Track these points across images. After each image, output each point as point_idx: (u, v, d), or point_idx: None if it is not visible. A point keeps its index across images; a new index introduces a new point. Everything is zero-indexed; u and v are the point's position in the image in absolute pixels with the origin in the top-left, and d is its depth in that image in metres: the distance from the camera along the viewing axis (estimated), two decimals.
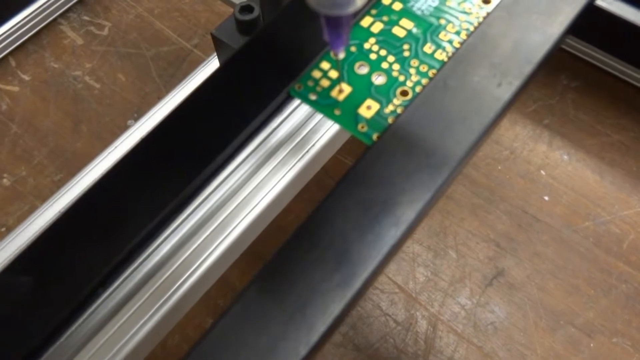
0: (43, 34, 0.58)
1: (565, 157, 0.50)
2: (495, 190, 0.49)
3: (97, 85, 0.55)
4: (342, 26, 0.20)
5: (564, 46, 0.54)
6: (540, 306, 0.44)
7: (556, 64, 0.55)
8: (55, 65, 0.57)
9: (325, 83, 0.25)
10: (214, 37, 0.42)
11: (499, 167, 0.50)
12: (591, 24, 0.26)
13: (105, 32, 0.59)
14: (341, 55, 0.22)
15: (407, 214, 0.21)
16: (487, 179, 0.49)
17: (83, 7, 0.60)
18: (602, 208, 0.48)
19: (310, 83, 0.25)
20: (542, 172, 0.50)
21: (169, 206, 0.23)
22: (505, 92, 0.24)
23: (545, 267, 0.45)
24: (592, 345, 0.42)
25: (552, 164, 0.50)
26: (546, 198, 0.48)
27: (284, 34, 0.26)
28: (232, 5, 0.44)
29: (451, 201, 0.48)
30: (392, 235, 0.21)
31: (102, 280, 0.23)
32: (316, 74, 0.25)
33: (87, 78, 0.56)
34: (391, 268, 0.45)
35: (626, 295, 0.44)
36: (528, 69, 0.24)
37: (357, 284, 0.20)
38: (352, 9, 0.19)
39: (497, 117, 0.23)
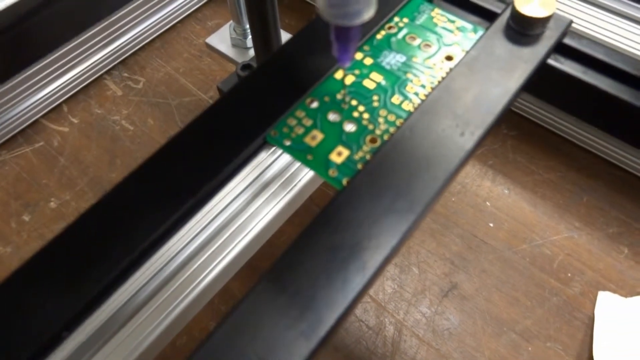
0: (91, 86, 0.53)
1: (506, 191, 0.45)
2: (450, 218, 0.44)
3: (131, 128, 0.50)
4: (351, 38, 0.17)
5: None
6: (487, 315, 0.38)
7: None
8: (99, 111, 0.51)
9: (299, 130, 0.19)
10: (219, 89, 0.37)
11: (453, 199, 0.45)
12: (543, 81, 0.21)
13: (140, 85, 0.53)
14: (347, 65, 0.19)
15: (374, 259, 0.16)
16: (443, 208, 0.44)
17: (124, 65, 0.55)
18: (536, 233, 0.42)
19: (285, 130, 0.19)
20: (488, 203, 0.44)
21: (164, 225, 0.17)
22: (468, 141, 0.18)
23: (491, 282, 0.40)
24: (530, 349, 0.37)
25: (496, 196, 0.45)
26: (491, 224, 0.43)
27: (263, 84, 0.20)
28: (236, 64, 0.39)
29: None
30: (358, 282, 0.15)
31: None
32: (291, 121, 0.19)
33: (123, 122, 0.50)
34: None
35: (557, 307, 0.39)
36: (489, 119, 0.18)
37: (322, 332, 0.14)
38: (360, 21, 0.16)
39: (460, 165, 0.18)
